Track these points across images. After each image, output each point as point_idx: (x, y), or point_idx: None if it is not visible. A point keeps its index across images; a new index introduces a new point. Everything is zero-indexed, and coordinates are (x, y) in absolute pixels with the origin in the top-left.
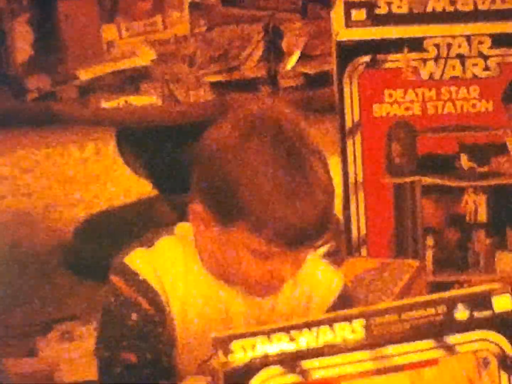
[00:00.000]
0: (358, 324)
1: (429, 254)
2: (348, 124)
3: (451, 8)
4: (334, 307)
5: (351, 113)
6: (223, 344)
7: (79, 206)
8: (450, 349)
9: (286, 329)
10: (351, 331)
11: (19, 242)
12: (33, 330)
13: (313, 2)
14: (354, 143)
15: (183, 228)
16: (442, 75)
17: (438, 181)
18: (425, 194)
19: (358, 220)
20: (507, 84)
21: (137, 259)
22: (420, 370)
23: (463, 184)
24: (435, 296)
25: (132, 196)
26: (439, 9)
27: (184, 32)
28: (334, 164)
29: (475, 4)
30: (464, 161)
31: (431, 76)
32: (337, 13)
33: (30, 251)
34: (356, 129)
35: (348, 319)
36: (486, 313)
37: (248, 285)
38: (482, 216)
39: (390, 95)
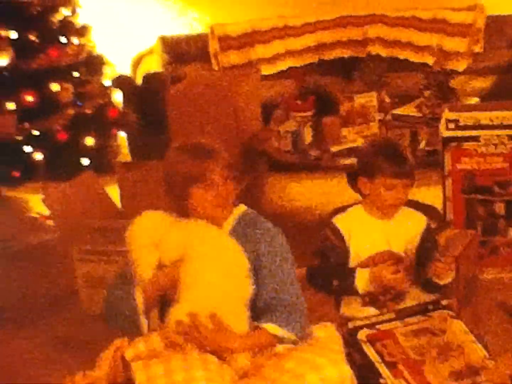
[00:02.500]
0: None
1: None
2: (446, 172)
3: (490, 123)
4: (424, 233)
5: (447, 167)
6: None
7: (326, 209)
8: None
9: None
10: None
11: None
12: None
13: (432, 121)
14: (448, 181)
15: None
16: (487, 151)
17: (481, 197)
18: (479, 203)
19: (449, 212)
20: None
21: (338, 220)
22: None
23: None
24: None
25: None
26: (485, 123)
27: (375, 131)
28: (439, 191)
29: (501, 119)
30: (496, 188)
31: (482, 152)
32: (442, 125)
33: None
34: (449, 175)
35: None
36: None
37: (387, 209)
38: None
39: (465, 161)
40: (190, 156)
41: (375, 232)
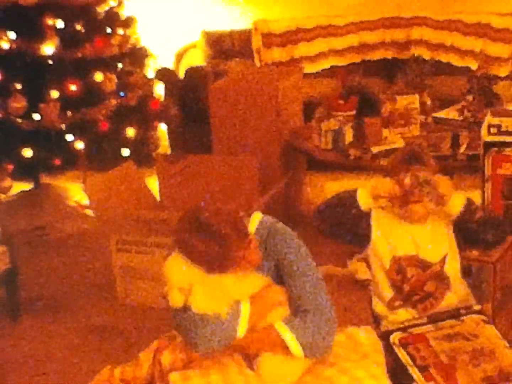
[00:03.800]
0: None
1: None
2: (486, 176)
3: None
4: (465, 206)
5: (488, 172)
6: None
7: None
8: None
9: None
10: None
11: None
12: None
13: (474, 125)
14: (488, 185)
15: None
16: None
17: None
18: None
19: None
20: None
21: (362, 194)
22: None
23: None
24: None
25: None
26: None
27: (416, 133)
28: (478, 195)
29: None
30: None
31: None
32: (484, 130)
33: None
34: (489, 179)
35: None
36: None
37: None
38: None
39: (506, 166)
40: (215, 246)
41: (402, 232)
